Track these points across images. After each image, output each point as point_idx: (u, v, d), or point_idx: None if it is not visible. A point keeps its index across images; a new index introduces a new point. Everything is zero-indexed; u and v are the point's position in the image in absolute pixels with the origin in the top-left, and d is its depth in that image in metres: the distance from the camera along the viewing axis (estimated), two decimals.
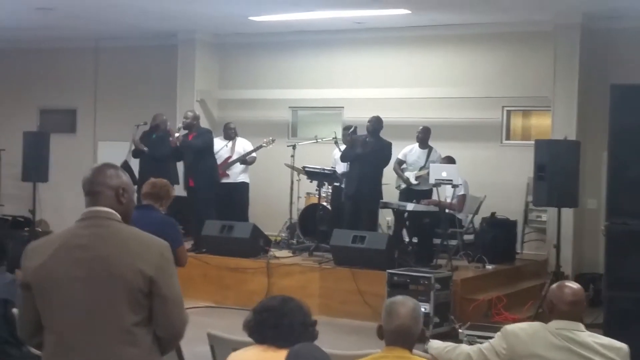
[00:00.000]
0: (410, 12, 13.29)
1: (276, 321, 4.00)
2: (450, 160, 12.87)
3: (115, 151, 15.04)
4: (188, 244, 11.98)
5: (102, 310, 3.69)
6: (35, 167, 14.32)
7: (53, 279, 3.73)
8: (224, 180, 13.59)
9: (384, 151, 12.56)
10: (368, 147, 12.37)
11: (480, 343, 8.45)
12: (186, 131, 13.09)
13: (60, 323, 3.73)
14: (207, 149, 13.07)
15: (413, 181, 13.17)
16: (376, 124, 12.67)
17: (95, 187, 3.85)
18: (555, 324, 4.83)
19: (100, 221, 3.81)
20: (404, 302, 4.31)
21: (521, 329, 4.88)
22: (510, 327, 4.94)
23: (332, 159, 13.78)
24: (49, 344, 3.78)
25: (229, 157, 13.76)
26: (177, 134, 13.02)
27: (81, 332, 3.69)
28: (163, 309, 3.76)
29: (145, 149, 13.45)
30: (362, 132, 12.81)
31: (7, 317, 5.90)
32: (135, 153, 13.69)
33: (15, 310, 5.52)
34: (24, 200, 15.50)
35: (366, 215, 12.53)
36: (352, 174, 12.55)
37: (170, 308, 3.78)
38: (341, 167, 13.04)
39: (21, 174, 14.65)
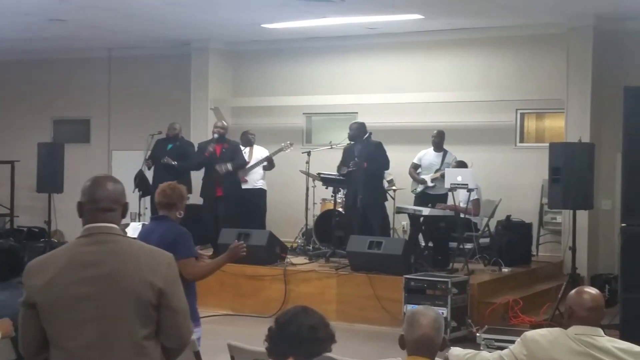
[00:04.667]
0: (423, 17, 13.30)
1: (302, 334, 3.99)
2: (462, 164, 12.87)
3: (130, 160, 15.09)
4: (208, 251, 12.00)
5: (114, 326, 3.72)
6: (50, 178, 14.40)
7: (61, 297, 3.74)
8: (243, 186, 13.64)
9: (378, 154, 12.54)
10: (361, 154, 12.38)
11: (498, 346, 8.53)
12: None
13: (70, 340, 3.74)
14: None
15: (429, 183, 13.19)
16: (357, 130, 12.66)
17: (112, 205, 3.88)
18: (574, 329, 4.83)
19: (107, 237, 3.83)
20: (426, 313, 4.31)
21: (541, 335, 4.89)
22: (530, 334, 4.94)
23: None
24: None
25: (247, 163, 13.78)
26: (223, 168, 13.08)
27: (93, 348, 3.72)
28: (172, 321, 3.83)
29: (175, 162, 13.45)
30: (377, 137, 12.80)
31: None
32: (152, 164, 13.71)
33: None
34: (39, 211, 15.56)
35: (375, 221, 12.51)
36: (352, 184, 12.54)
37: (179, 319, 3.85)
38: None
39: (36, 185, 14.73)
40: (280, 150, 13.88)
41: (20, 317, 3.90)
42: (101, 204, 3.86)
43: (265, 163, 13.88)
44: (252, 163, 13.82)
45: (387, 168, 12.86)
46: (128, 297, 3.72)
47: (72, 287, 3.73)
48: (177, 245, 6.54)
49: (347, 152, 12.77)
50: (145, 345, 3.76)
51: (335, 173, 13.04)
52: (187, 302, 3.93)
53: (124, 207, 3.94)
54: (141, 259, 3.81)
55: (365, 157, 12.37)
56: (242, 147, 13.83)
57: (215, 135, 13.19)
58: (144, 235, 6.72)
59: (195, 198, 13.22)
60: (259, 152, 14.02)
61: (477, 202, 12.81)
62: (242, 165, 13.28)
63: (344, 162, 12.70)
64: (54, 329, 3.77)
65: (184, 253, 6.56)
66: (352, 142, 12.72)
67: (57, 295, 3.74)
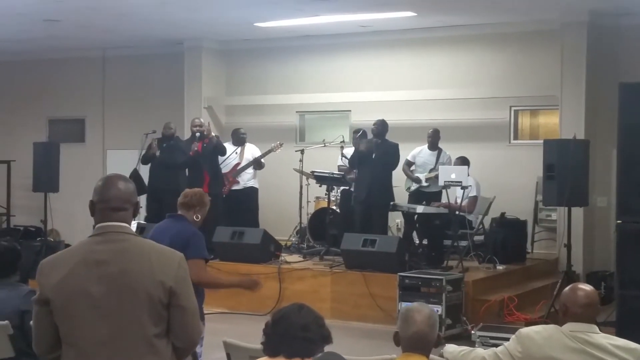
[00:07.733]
0: (415, 14, 13.29)
1: (293, 332, 3.99)
2: (464, 161, 12.85)
3: (124, 159, 15.07)
4: None
5: (125, 323, 3.75)
6: (46, 177, 14.37)
7: (73, 294, 3.77)
8: (234, 187, 13.66)
9: (392, 153, 12.60)
10: (379, 149, 12.42)
11: (493, 344, 8.51)
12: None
13: (81, 338, 3.78)
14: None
15: (423, 183, 13.20)
16: (381, 126, 12.70)
17: (124, 205, 3.94)
18: (569, 326, 4.83)
19: (118, 236, 3.87)
20: (420, 309, 4.31)
21: (536, 332, 4.88)
22: (525, 330, 4.94)
23: (340, 163, 13.82)
24: (68, 358, 3.82)
25: (238, 164, 13.78)
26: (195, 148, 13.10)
27: (104, 346, 3.75)
28: (181, 320, 3.86)
29: (158, 152, 13.44)
30: (370, 135, 12.84)
31: (23, 329, 5.91)
32: (145, 159, 13.68)
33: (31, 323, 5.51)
34: (35, 210, 15.57)
35: (377, 218, 12.53)
36: (362, 179, 12.59)
37: (188, 318, 3.88)
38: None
39: (32, 185, 14.72)
40: (270, 151, 13.88)
41: (33, 315, 3.94)
42: (112, 203, 3.91)
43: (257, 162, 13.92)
44: (242, 164, 13.83)
45: (394, 168, 12.84)
46: (139, 295, 3.76)
47: (84, 285, 3.77)
48: (189, 244, 6.62)
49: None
50: (157, 343, 3.80)
51: (329, 171, 13.08)
52: (196, 302, 3.97)
53: (135, 206, 4.01)
54: (152, 258, 3.85)
55: (383, 154, 12.45)
56: (233, 146, 13.84)
57: (197, 134, 13.21)
58: (159, 231, 6.79)
59: None
60: (249, 152, 14.01)
61: (474, 199, 12.80)
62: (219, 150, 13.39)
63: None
64: (66, 326, 3.81)
65: (193, 253, 6.61)
66: (360, 136, 12.84)
67: (69, 293, 3.78)
